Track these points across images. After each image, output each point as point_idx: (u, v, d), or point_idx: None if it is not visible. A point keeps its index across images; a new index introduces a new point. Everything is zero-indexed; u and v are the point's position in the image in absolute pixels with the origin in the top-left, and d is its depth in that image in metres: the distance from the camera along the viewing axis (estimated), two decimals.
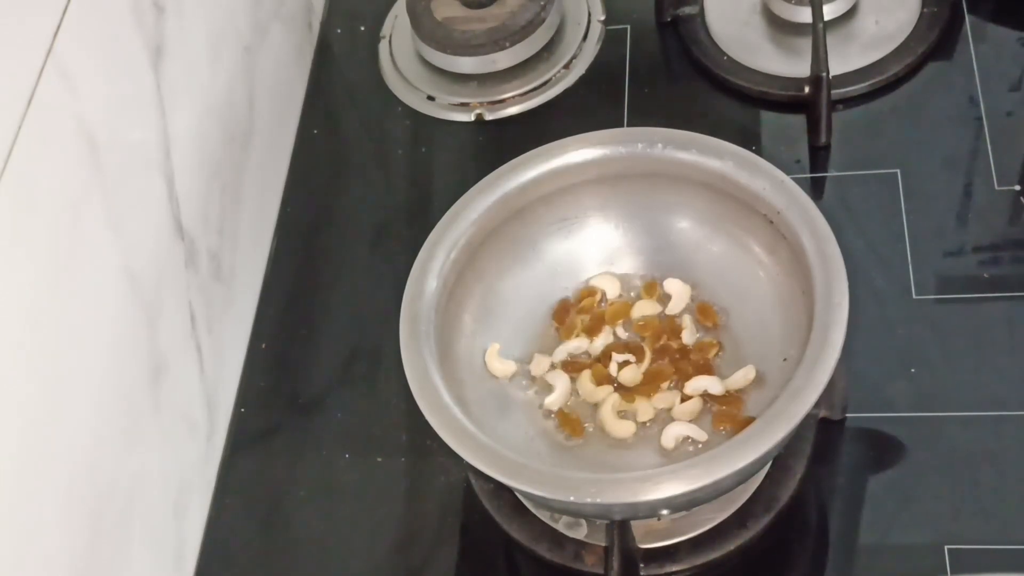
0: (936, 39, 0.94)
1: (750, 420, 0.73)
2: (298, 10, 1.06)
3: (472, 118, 1.00)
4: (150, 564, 0.78)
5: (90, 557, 0.71)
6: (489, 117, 1.00)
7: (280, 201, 0.99)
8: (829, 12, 0.95)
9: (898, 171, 0.89)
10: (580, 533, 0.76)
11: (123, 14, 0.77)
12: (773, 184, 0.76)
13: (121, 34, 0.77)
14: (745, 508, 0.75)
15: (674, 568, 0.75)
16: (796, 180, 0.76)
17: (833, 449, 0.77)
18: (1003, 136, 0.89)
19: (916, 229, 0.86)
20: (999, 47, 0.94)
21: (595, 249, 0.83)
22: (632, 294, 0.82)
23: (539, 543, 0.76)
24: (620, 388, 0.78)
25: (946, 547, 0.73)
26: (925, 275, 0.84)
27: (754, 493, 0.76)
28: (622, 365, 0.79)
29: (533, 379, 0.80)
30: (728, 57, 0.97)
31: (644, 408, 0.77)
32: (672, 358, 0.78)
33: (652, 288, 0.81)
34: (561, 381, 0.78)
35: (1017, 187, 0.86)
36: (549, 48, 1.02)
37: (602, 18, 1.04)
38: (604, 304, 0.81)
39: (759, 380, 0.76)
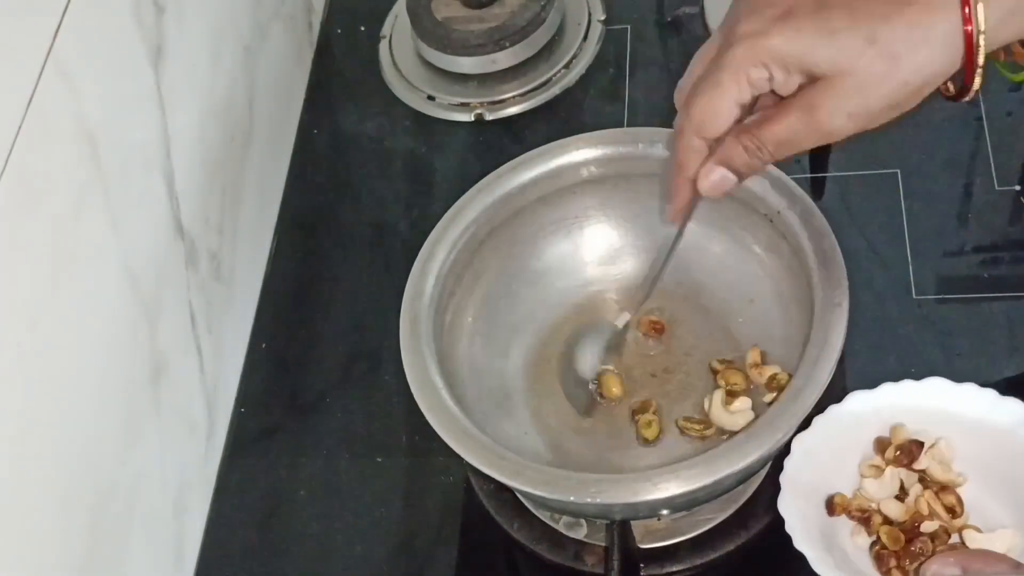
0: None
1: None
2: (298, 10, 1.06)
3: (472, 118, 1.00)
4: (150, 564, 0.78)
5: (90, 557, 0.71)
6: (489, 117, 1.00)
7: (280, 201, 0.99)
8: None
9: (898, 171, 0.89)
10: (580, 533, 0.76)
11: (123, 14, 0.77)
12: (773, 184, 0.76)
13: (121, 34, 0.77)
14: (745, 508, 0.75)
15: (674, 568, 0.75)
16: (796, 180, 0.76)
17: None
18: (1003, 136, 0.89)
19: (916, 229, 0.86)
20: None
21: (595, 249, 0.83)
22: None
23: (539, 543, 0.76)
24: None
25: None
26: (925, 275, 0.84)
27: (754, 493, 0.76)
28: None
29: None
30: None
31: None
32: None
33: None
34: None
35: (1017, 187, 0.86)
36: (549, 48, 1.02)
37: (602, 18, 1.04)
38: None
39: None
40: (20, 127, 0.64)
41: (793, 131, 0.61)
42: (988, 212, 0.86)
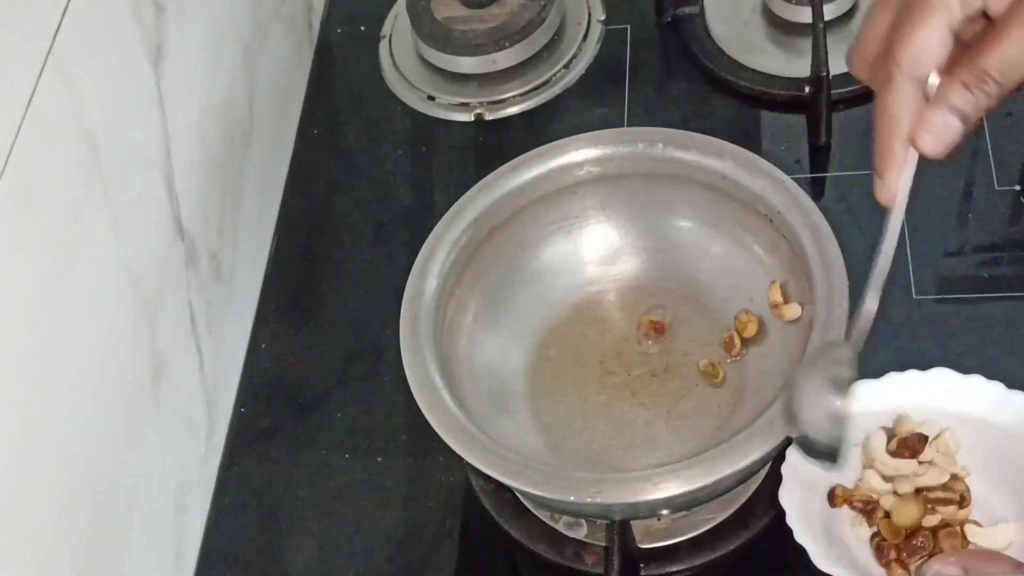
0: None
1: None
2: (298, 10, 1.06)
3: (472, 118, 1.00)
4: (150, 564, 0.78)
5: (90, 557, 0.71)
6: (489, 117, 1.00)
7: (280, 201, 0.99)
8: (829, 12, 0.95)
9: None
10: (580, 533, 0.76)
11: (123, 14, 0.77)
12: (773, 184, 0.76)
13: (121, 34, 0.77)
14: (745, 508, 0.75)
15: (674, 568, 0.75)
16: (796, 180, 0.76)
17: None
18: (1003, 136, 0.89)
19: (916, 229, 0.86)
20: None
21: (595, 249, 0.83)
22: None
23: (539, 543, 0.76)
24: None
25: None
26: (925, 275, 0.84)
27: (754, 493, 0.76)
28: None
29: None
30: (728, 57, 0.97)
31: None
32: None
33: None
34: None
35: (1017, 187, 0.86)
36: (549, 48, 1.02)
37: (602, 18, 1.04)
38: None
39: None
40: (20, 127, 0.64)
41: (1019, 47, 0.54)
42: (988, 212, 0.86)
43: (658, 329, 0.80)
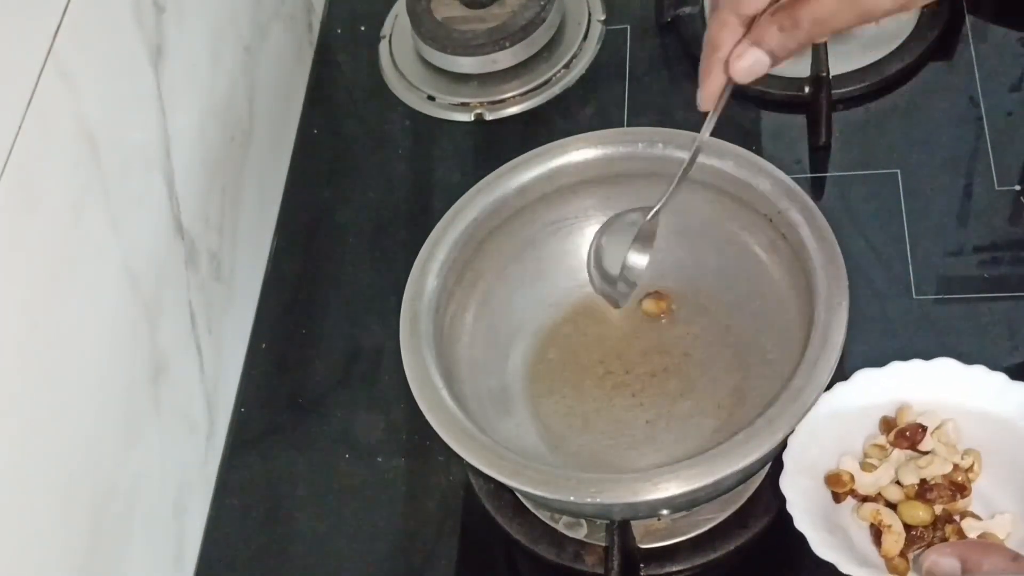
0: (936, 39, 0.94)
1: None
2: (298, 10, 1.06)
3: (472, 118, 1.00)
4: (150, 564, 0.78)
5: (90, 557, 0.71)
6: (489, 117, 1.00)
7: (280, 201, 0.99)
8: None
9: (898, 171, 0.89)
10: (580, 533, 0.76)
11: (123, 14, 0.77)
12: (773, 184, 0.76)
13: (121, 34, 0.77)
14: (745, 508, 0.75)
15: (674, 568, 0.75)
16: (796, 180, 0.76)
17: None
18: (1003, 136, 0.89)
19: (916, 229, 0.86)
20: (999, 47, 0.94)
21: None
22: None
23: (539, 543, 0.76)
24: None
25: None
26: (925, 275, 0.84)
27: (754, 493, 0.76)
28: None
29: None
30: None
31: None
32: None
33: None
34: None
35: (1017, 187, 0.86)
36: (549, 48, 1.02)
37: (602, 18, 1.04)
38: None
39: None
40: (20, 127, 0.64)
41: (831, 9, 0.62)
42: (988, 212, 0.86)
43: (661, 299, 0.81)
